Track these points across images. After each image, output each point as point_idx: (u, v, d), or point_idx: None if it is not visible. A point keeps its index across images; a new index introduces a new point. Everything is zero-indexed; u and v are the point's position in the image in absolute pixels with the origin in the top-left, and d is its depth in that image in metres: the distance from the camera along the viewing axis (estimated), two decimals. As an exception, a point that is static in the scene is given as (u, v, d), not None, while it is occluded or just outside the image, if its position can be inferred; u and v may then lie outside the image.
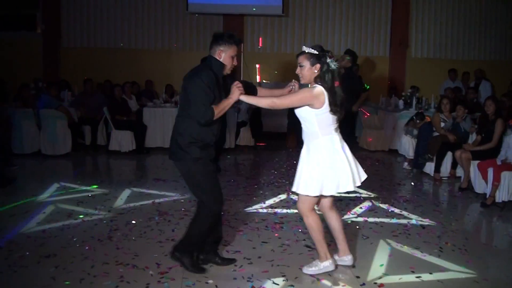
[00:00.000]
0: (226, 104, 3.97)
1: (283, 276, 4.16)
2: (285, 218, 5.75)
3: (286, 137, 10.97)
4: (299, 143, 10.05)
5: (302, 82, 4.09)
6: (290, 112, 10.40)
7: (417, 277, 4.19)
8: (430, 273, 4.27)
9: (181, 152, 3.99)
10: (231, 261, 4.41)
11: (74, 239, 4.96)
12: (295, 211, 6.03)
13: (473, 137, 7.75)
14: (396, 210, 6.16)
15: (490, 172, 6.41)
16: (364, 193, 6.95)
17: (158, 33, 12.86)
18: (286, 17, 12.83)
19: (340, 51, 12.92)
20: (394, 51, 13.20)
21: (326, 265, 4.20)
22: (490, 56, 13.54)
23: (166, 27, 12.88)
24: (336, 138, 4.05)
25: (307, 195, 4.03)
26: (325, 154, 3.98)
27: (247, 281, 4.06)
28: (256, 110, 10.72)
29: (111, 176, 8.47)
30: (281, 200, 6.54)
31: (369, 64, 12.90)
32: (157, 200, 6.41)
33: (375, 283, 4.05)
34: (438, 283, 4.09)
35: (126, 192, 6.80)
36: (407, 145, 8.98)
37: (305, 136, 4.10)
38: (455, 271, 4.35)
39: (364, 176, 4.21)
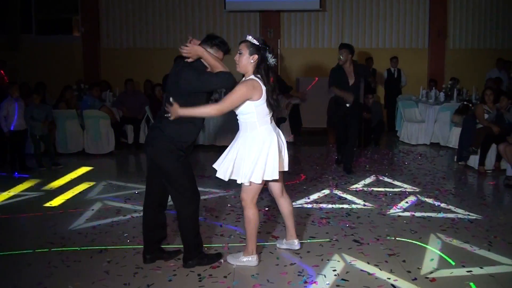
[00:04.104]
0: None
1: (334, 270, 4.16)
2: (331, 213, 5.75)
3: (327, 132, 10.91)
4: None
5: (237, 70, 4.12)
6: (329, 108, 10.38)
7: (468, 271, 4.14)
8: (481, 267, 4.20)
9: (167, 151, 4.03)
10: (177, 253, 4.44)
11: (125, 235, 5.09)
12: (341, 206, 6.05)
13: (518, 129, 7.60)
14: (442, 204, 6.08)
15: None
16: (409, 187, 6.90)
17: (196, 32, 12.93)
18: (323, 11, 12.77)
19: (378, 44, 12.86)
20: (433, 42, 12.98)
21: (250, 259, 4.25)
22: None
23: (204, 26, 12.94)
24: (271, 127, 4.13)
25: (252, 184, 4.07)
26: (263, 143, 4.04)
27: (298, 275, 4.09)
28: (295, 106, 10.70)
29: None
30: (325, 195, 6.54)
31: (408, 57, 12.72)
32: (202, 197, 6.45)
33: (427, 277, 4.02)
34: (490, 277, 4.03)
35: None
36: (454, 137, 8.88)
37: (243, 127, 4.14)
38: (506, 265, 4.28)
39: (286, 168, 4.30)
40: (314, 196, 6.49)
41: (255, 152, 4.03)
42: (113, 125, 9.72)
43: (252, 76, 4.04)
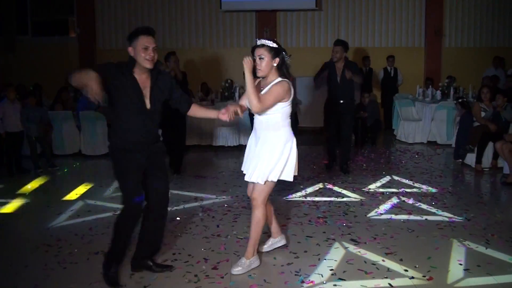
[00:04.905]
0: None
1: (331, 270, 4.16)
2: (328, 213, 5.74)
3: (323, 132, 10.89)
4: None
5: (259, 75, 4.05)
6: (325, 107, 10.38)
7: (465, 269, 4.13)
8: (478, 266, 4.20)
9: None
10: (167, 267, 4.23)
11: (121, 237, 5.05)
12: (338, 205, 6.04)
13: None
14: (440, 203, 6.08)
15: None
16: (406, 186, 6.90)
17: (192, 32, 12.96)
18: (319, 10, 12.77)
19: (374, 43, 12.86)
20: (429, 41, 13.00)
21: (254, 261, 4.20)
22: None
23: (200, 26, 12.96)
24: (290, 129, 4.13)
25: (267, 183, 4.04)
26: (283, 144, 4.03)
27: (295, 275, 4.08)
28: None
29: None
30: (323, 195, 6.53)
31: (404, 55, 12.72)
32: (199, 196, 6.48)
33: (424, 276, 4.02)
34: (487, 275, 4.02)
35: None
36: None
37: (264, 126, 4.07)
38: (503, 263, 4.27)
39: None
40: (311, 195, 6.48)
41: (277, 152, 4.00)
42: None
43: (280, 79, 4.01)
